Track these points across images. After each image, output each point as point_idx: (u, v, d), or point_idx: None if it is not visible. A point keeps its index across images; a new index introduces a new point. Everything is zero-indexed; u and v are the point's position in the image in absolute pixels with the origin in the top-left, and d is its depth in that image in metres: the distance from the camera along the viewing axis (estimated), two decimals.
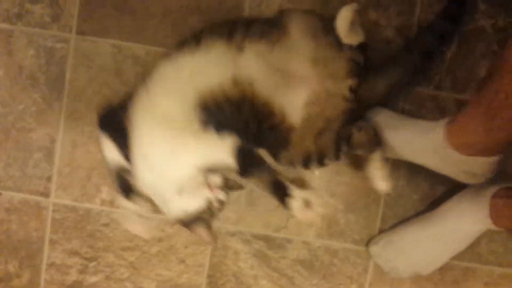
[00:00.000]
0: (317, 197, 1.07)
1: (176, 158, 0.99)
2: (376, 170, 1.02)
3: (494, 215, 1.01)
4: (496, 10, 1.09)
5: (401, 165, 1.10)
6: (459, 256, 1.10)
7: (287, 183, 1.05)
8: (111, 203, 1.14)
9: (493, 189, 1.03)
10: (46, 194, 1.14)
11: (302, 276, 1.15)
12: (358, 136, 0.98)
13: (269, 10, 1.10)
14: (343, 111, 0.98)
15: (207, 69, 0.96)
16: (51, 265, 1.16)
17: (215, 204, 1.01)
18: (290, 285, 1.15)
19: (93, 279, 1.16)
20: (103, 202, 1.14)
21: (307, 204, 1.04)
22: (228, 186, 1.03)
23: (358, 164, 1.08)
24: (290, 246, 1.14)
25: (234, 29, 0.97)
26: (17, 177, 1.14)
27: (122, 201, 1.05)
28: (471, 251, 1.12)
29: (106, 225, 1.15)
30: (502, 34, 1.09)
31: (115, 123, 1.03)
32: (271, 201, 1.11)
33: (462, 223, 1.05)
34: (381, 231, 1.13)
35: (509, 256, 1.14)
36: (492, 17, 1.09)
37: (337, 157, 0.99)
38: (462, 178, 1.01)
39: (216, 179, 1.01)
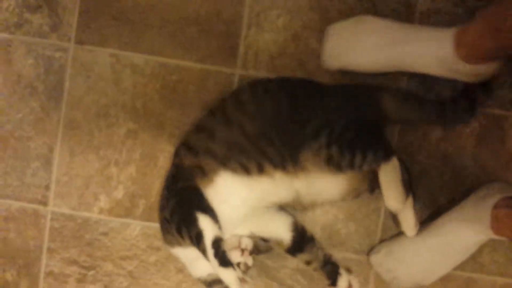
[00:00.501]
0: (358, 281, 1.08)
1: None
2: (407, 217, 1.06)
3: (496, 226, 1.00)
4: None
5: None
6: (461, 266, 1.09)
7: (337, 263, 1.07)
8: (109, 212, 1.14)
9: (494, 200, 1.01)
10: (44, 203, 1.14)
11: (302, 286, 1.14)
12: None
13: (267, 21, 1.10)
14: None
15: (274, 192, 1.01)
16: (49, 274, 1.15)
17: (241, 268, 0.98)
18: None
19: None
20: (101, 211, 1.14)
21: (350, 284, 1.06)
22: (258, 249, 1.04)
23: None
24: (289, 255, 1.13)
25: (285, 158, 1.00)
26: (15, 185, 1.14)
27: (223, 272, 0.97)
28: (473, 261, 1.11)
29: (104, 234, 1.14)
30: None
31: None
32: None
33: (463, 234, 1.03)
34: (382, 241, 1.12)
35: (511, 266, 1.12)
36: None
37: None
38: (467, 80, 1.01)
39: (249, 243, 1.00)
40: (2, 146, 1.13)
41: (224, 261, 0.91)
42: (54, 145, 1.13)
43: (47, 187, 1.14)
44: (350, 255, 1.13)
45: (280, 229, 1.04)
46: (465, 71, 0.97)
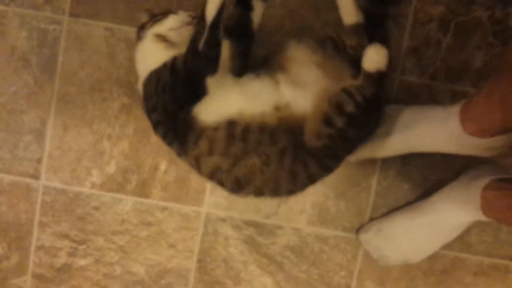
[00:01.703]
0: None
1: None
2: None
3: (485, 207, 1.01)
4: (493, 1, 1.09)
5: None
6: (448, 246, 1.11)
7: None
8: (101, 187, 1.14)
9: (484, 181, 1.03)
10: (36, 177, 1.14)
11: (291, 262, 1.15)
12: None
13: None
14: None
15: (258, 96, 0.98)
16: (40, 247, 1.15)
17: None
18: (279, 271, 1.15)
19: (82, 262, 1.15)
20: (93, 186, 1.14)
21: None
22: None
23: None
24: (280, 232, 1.14)
25: (272, 66, 1.01)
26: (7, 159, 1.13)
27: None
28: (461, 241, 1.12)
29: (96, 208, 1.14)
30: (499, 25, 1.09)
31: None
32: None
33: (453, 214, 1.05)
34: (372, 219, 1.13)
35: (499, 246, 1.14)
36: (489, 8, 1.09)
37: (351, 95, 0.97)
38: (480, 154, 1.02)
39: None
40: None
41: None
42: (47, 118, 1.13)
43: (39, 161, 1.13)
44: (340, 233, 1.14)
45: None
46: (475, 145, 0.99)
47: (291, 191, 0.98)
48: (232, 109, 0.95)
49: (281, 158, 0.95)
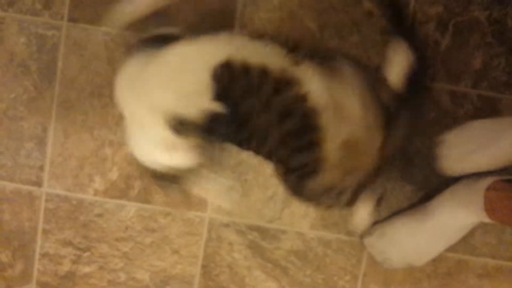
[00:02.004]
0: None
1: None
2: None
3: (489, 208, 1.01)
4: (491, 1, 1.08)
5: (394, 156, 1.10)
6: (452, 248, 1.11)
7: None
8: (104, 193, 1.13)
9: (487, 182, 1.02)
10: (38, 184, 1.13)
11: (296, 267, 1.15)
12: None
13: (263, 0, 1.09)
14: (372, 162, 0.96)
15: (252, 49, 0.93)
16: (44, 255, 1.15)
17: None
18: (284, 276, 1.15)
19: (86, 269, 1.16)
20: (96, 192, 1.13)
21: None
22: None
23: None
24: (284, 237, 1.14)
25: (297, 48, 0.95)
26: (9, 166, 1.13)
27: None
28: (465, 243, 1.12)
29: (99, 215, 1.14)
30: (497, 25, 1.08)
31: None
32: (265, 192, 1.11)
33: (456, 216, 1.05)
34: (375, 223, 1.13)
35: (503, 248, 1.14)
36: (487, 8, 1.08)
37: (352, 201, 1.00)
38: None
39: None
40: None
41: None
42: (48, 125, 1.12)
43: (41, 168, 1.13)
44: (343, 237, 1.14)
45: None
46: None
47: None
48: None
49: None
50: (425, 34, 1.10)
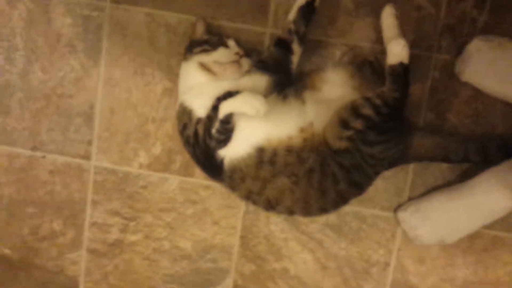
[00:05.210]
0: None
1: None
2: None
3: None
4: None
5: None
6: (488, 225, 1.10)
7: None
8: (148, 167, 1.19)
9: None
10: (87, 157, 1.20)
11: (330, 240, 1.19)
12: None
13: None
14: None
15: (284, 121, 1.01)
16: (93, 224, 1.23)
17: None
18: (319, 248, 1.19)
19: (133, 237, 1.23)
20: (140, 166, 1.19)
21: None
22: None
23: None
24: None
25: (302, 84, 1.07)
26: (60, 141, 1.20)
27: None
28: (501, 220, 1.11)
29: (144, 187, 1.20)
30: None
31: None
32: None
33: (491, 199, 1.05)
34: (410, 199, 1.14)
35: None
36: None
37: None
38: None
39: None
40: (45, 103, 1.18)
41: None
42: (94, 102, 1.18)
43: (89, 143, 1.19)
44: (378, 212, 1.16)
45: None
46: None
47: (322, 209, 1.02)
48: (259, 136, 0.98)
49: (310, 176, 0.98)
50: (462, 12, 1.08)
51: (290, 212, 1.02)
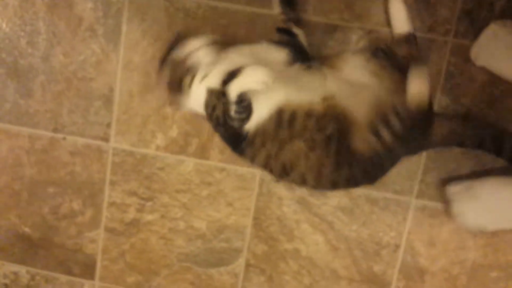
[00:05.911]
0: None
1: None
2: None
3: None
4: None
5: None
6: None
7: None
8: (165, 149, 1.22)
9: None
10: (106, 139, 1.24)
11: (342, 222, 1.21)
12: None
13: None
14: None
15: (306, 87, 1.03)
16: (111, 204, 1.27)
17: None
18: (330, 230, 1.21)
19: (149, 217, 1.26)
20: (158, 148, 1.22)
21: None
22: None
23: None
24: (331, 194, 1.19)
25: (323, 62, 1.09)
26: (80, 123, 1.23)
27: None
28: None
29: (161, 169, 1.23)
30: None
31: None
32: None
33: None
34: (422, 182, 1.16)
35: None
36: None
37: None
38: None
39: None
40: (66, 86, 1.22)
41: None
42: (114, 85, 1.21)
43: (108, 125, 1.23)
44: (390, 195, 1.18)
45: None
46: None
47: (334, 183, 1.03)
48: (279, 98, 1.00)
49: (327, 144, 1.00)
50: None
51: (303, 180, 1.03)
